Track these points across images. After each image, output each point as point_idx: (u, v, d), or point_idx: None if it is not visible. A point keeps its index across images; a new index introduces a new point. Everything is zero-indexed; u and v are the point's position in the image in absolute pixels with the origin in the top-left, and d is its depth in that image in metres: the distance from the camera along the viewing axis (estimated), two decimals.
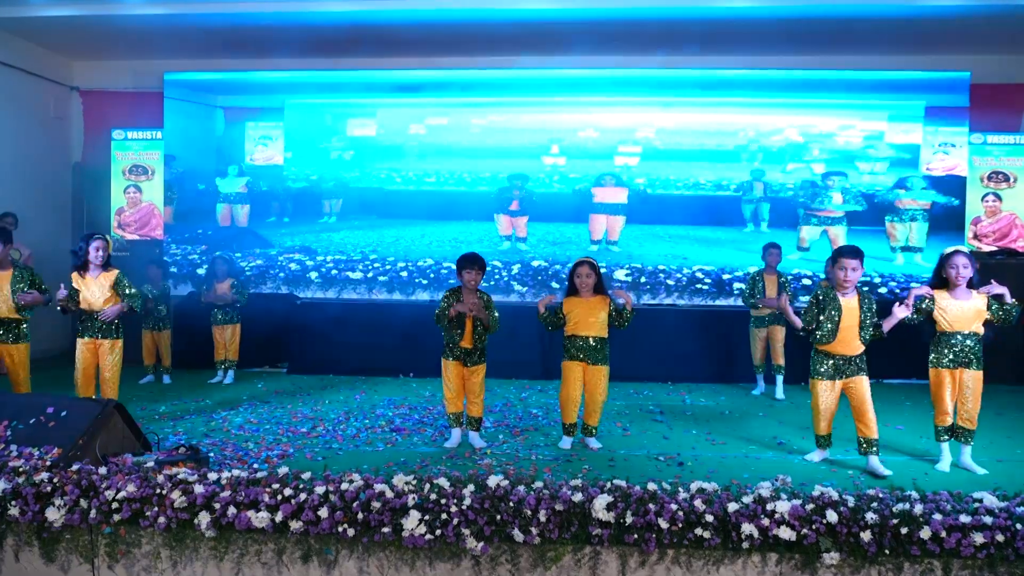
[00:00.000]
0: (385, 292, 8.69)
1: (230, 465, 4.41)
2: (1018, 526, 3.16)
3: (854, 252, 4.76)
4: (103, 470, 3.60)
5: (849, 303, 4.74)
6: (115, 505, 3.40)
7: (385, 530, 3.26)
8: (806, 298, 7.57)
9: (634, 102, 8.77)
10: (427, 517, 3.26)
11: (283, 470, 3.58)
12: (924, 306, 4.77)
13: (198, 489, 3.41)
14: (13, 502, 3.46)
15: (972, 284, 4.75)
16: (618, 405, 6.66)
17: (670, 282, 8.45)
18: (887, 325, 4.72)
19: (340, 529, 3.29)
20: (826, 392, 4.81)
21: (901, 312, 4.66)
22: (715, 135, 8.69)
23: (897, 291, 8.13)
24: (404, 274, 8.67)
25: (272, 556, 3.37)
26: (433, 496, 3.32)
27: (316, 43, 8.71)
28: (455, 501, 3.30)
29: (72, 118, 9.85)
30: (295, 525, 3.30)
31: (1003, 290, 4.69)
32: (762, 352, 7.27)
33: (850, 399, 4.80)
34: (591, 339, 5.19)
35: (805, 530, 3.18)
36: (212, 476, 3.53)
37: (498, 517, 3.26)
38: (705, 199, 8.68)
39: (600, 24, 8.01)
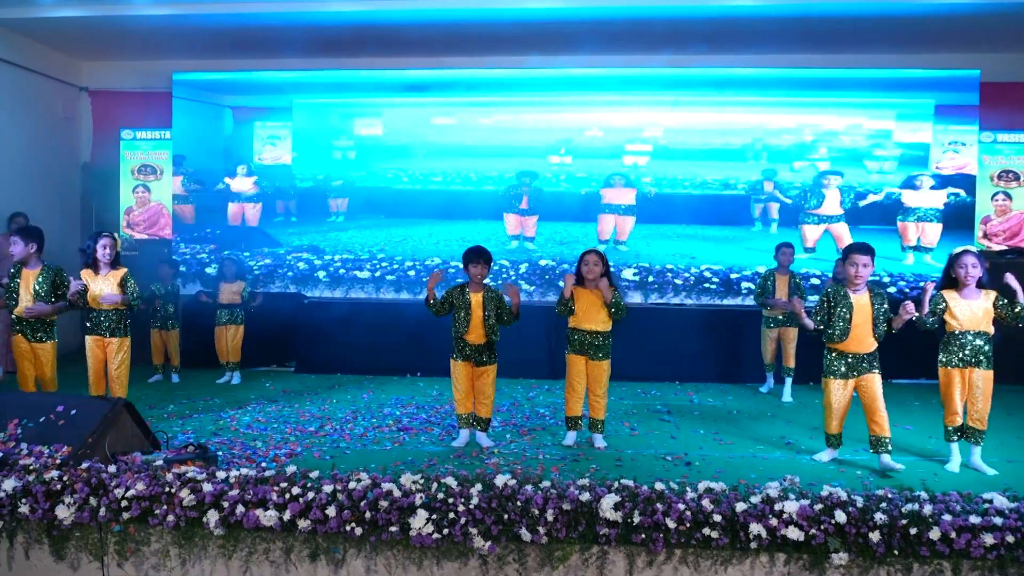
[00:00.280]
0: (393, 291, 8.69)
1: (238, 464, 4.42)
2: None
3: (865, 249, 4.74)
4: (112, 468, 3.62)
5: (860, 300, 4.71)
6: (124, 503, 3.41)
7: (392, 529, 3.26)
8: (815, 298, 7.52)
9: (641, 101, 8.75)
10: (434, 516, 3.27)
11: (291, 469, 3.58)
12: (939, 308, 4.74)
13: (207, 488, 3.42)
14: (23, 500, 3.47)
15: (982, 284, 4.73)
16: (626, 405, 6.65)
17: (678, 281, 8.44)
18: (896, 323, 4.70)
19: (348, 528, 3.29)
20: (838, 390, 4.79)
21: (909, 312, 4.63)
22: (723, 134, 8.67)
23: (907, 291, 8.09)
24: (412, 273, 8.68)
25: (280, 555, 3.38)
26: (440, 495, 3.33)
27: (323, 43, 8.72)
28: (462, 500, 3.30)
29: (81, 118, 9.88)
30: (303, 524, 3.30)
31: (1017, 287, 4.66)
32: (773, 352, 7.25)
33: (861, 397, 4.78)
34: (594, 333, 5.18)
35: (813, 530, 3.17)
36: (220, 475, 3.54)
37: (505, 516, 3.26)
38: (713, 198, 8.66)
39: (607, 23, 7.99)
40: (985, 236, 8.39)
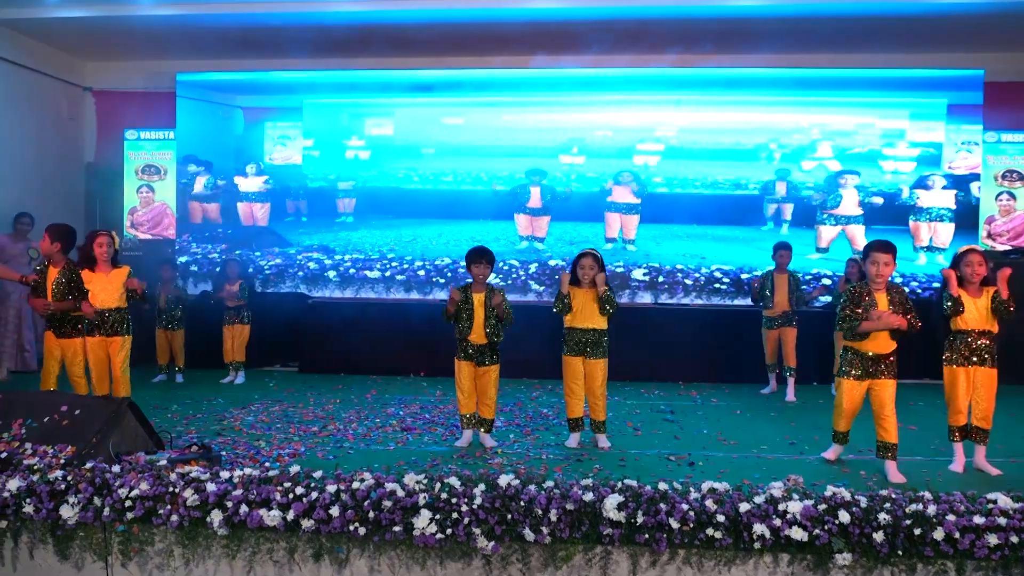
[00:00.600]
0: (402, 291, 8.70)
1: (242, 464, 4.42)
2: None
3: (887, 247, 4.68)
4: (116, 468, 3.62)
5: (881, 299, 4.66)
6: (128, 503, 3.42)
7: (396, 529, 3.27)
8: (825, 298, 7.52)
9: (652, 101, 8.75)
10: (438, 516, 3.27)
11: (295, 469, 3.59)
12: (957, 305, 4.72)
13: (210, 487, 3.42)
14: (27, 499, 3.48)
15: (986, 282, 4.73)
16: (629, 405, 6.65)
17: (688, 282, 8.43)
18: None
19: (351, 528, 3.29)
20: (852, 391, 4.74)
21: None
22: (734, 134, 8.65)
23: (919, 291, 8.07)
24: (421, 273, 8.69)
25: (284, 554, 3.38)
26: (444, 495, 3.33)
27: (331, 43, 8.73)
28: (466, 500, 3.30)
29: (85, 118, 9.91)
30: (307, 523, 3.31)
31: (1004, 279, 4.67)
32: (773, 352, 7.25)
33: (872, 401, 4.73)
34: (590, 331, 5.18)
35: (817, 530, 3.17)
36: (224, 474, 3.55)
37: (509, 516, 3.26)
38: (723, 198, 8.64)
39: (619, 22, 7.98)
40: (989, 236, 8.37)
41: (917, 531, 3.14)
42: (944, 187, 8.35)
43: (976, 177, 8.36)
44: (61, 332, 5.46)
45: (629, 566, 3.27)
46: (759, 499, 3.29)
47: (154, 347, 7.67)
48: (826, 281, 8.20)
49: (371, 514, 3.30)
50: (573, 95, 8.80)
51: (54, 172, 9.34)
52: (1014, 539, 3.11)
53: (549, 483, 3.43)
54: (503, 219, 8.83)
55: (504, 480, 3.39)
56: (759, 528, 3.17)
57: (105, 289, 5.52)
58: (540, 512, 3.26)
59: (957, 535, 3.12)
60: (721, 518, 3.21)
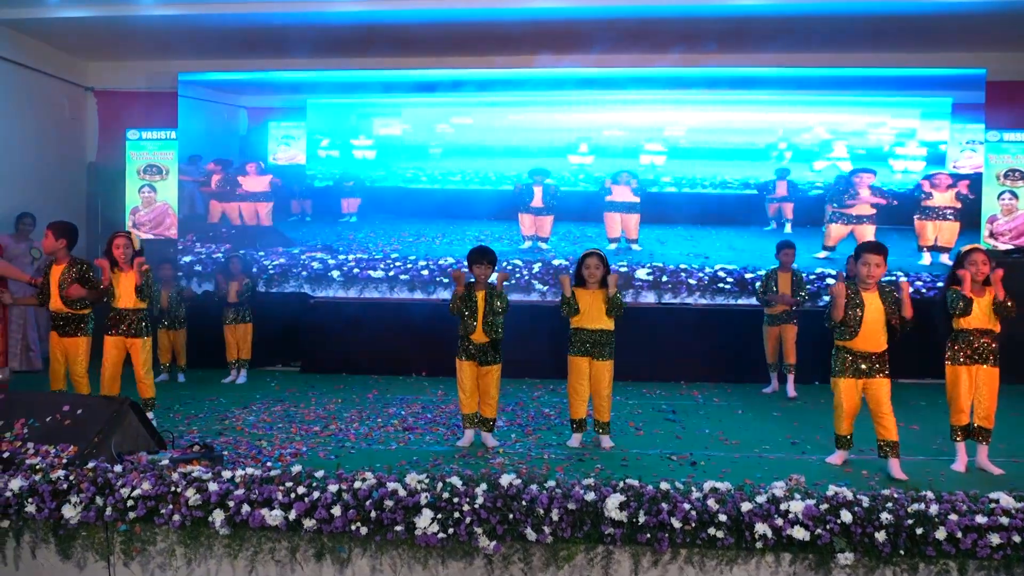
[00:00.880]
0: (406, 291, 8.70)
1: (244, 463, 4.42)
2: None
3: (877, 248, 4.73)
4: (118, 468, 3.63)
5: (871, 298, 4.69)
6: (130, 503, 3.42)
7: (398, 528, 3.27)
8: (828, 298, 7.49)
9: (661, 99, 8.73)
10: (440, 516, 3.27)
11: (296, 468, 3.59)
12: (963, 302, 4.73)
13: (212, 487, 3.42)
14: (30, 499, 3.48)
15: (988, 282, 4.75)
16: (631, 404, 6.65)
17: (692, 281, 8.42)
18: (906, 310, 4.64)
19: (353, 527, 3.30)
20: (848, 391, 4.74)
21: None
22: (742, 133, 8.64)
23: (923, 291, 8.06)
24: (425, 272, 8.69)
25: (286, 554, 3.39)
26: (446, 495, 3.33)
27: (334, 43, 8.73)
28: (467, 500, 3.30)
29: (87, 118, 9.92)
30: (308, 523, 3.31)
31: (997, 281, 4.70)
32: (774, 349, 7.25)
33: (868, 400, 4.74)
34: (597, 332, 5.18)
35: (819, 530, 3.17)
36: (226, 474, 3.55)
37: (510, 516, 3.26)
38: (728, 198, 8.63)
39: (625, 21, 7.98)
40: (991, 235, 8.36)
41: (919, 531, 3.14)
42: (949, 186, 8.33)
43: (981, 176, 8.34)
44: (65, 331, 5.47)
45: (631, 566, 3.27)
46: (761, 499, 3.29)
47: (156, 347, 7.66)
48: (830, 281, 8.19)
49: (373, 514, 3.30)
50: (582, 94, 8.78)
51: (56, 172, 9.35)
52: (1016, 539, 3.10)
53: (551, 483, 3.43)
54: (507, 219, 8.82)
55: (506, 480, 3.39)
56: (761, 528, 3.17)
57: (126, 290, 5.55)
58: (542, 512, 3.26)
59: (959, 535, 3.12)
60: (723, 518, 3.21)
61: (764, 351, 7.33)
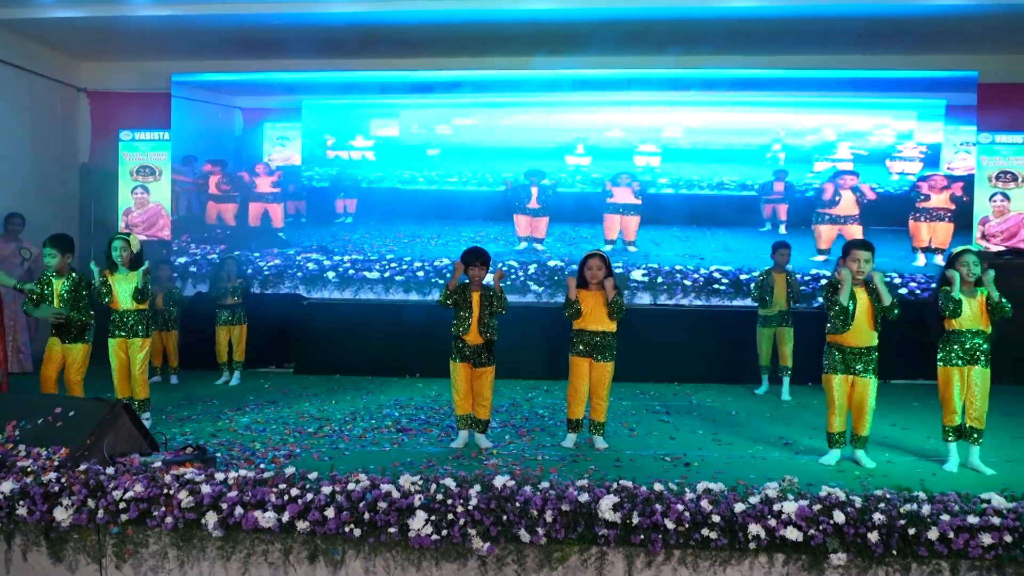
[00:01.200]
0: (401, 292, 8.68)
1: (237, 465, 4.42)
2: None
3: (866, 245, 4.85)
4: (110, 470, 3.61)
5: (860, 293, 4.78)
6: (122, 505, 3.41)
7: (391, 530, 3.26)
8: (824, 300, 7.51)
9: (658, 100, 8.75)
10: (433, 517, 3.27)
11: (290, 470, 3.58)
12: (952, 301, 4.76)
13: (205, 489, 3.41)
14: (21, 502, 3.47)
15: (980, 283, 4.78)
16: (624, 405, 6.65)
17: (687, 282, 8.43)
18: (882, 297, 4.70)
19: (347, 529, 3.29)
20: (840, 386, 4.83)
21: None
22: (739, 134, 8.65)
23: (917, 292, 8.09)
24: (421, 274, 8.67)
25: (279, 556, 3.38)
26: (439, 496, 3.33)
27: (329, 43, 8.72)
28: (461, 501, 3.30)
29: (79, 119, 9.88)
30: (302, 525, 3.30)
31: (989, 283, 4.72)
32: (768, 352, 7.26)
33: (853, 397, 4.84)
34: (598, 333, 5.19)
35: (812, 531, 3.17)
36: (219, 476, 3.54)
37: (504, 517, 3.26)
38: (724, 199, 8.64)
39: (623, 23, 7.99)
40: (983, 237, 8.40)
41: (911, 531, 3.15)
42: (944, 187, 8.36)
43: (973, 178, 8.38)
44: (67, 338, 5.47)
45: (625, 567, 3.28)
46: (754, 499, 3.30)
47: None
48: (824, 282, 8.20)
49: (366, 515, 3.30)
50: (579, 95, 8.79)
51: (48, 173, 9.31)
52: (1008, 539, 3.12)
53: (544, 484, 3.43)
54: (502, 220, 8.82)
55: (500, 481, 3.39)
56: (754, 528, 3.18)
57: (124, 291, 5.60)
58: (536, 513, 3.26)
59: (951, 535, 3.13)
60: (716, 518, 3.22)
61: (758, 352, 7.34)
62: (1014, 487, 3.61)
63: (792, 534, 3.17)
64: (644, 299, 8.45)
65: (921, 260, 8.41)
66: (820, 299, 7.56)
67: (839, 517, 3.18)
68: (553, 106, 8.84)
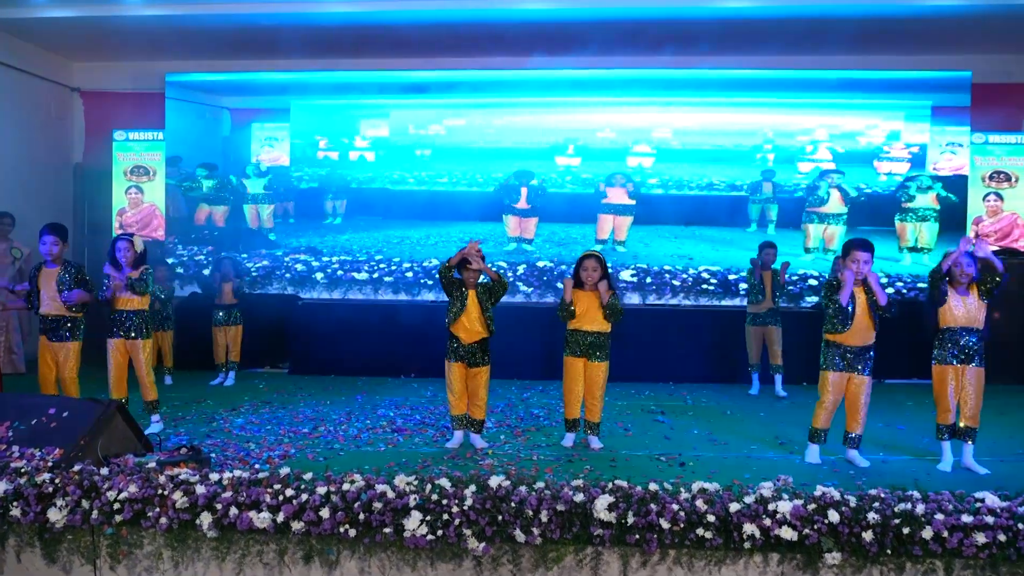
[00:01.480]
0: (391, 293, 8.67)
1: (232, 466, 4.40)
2: (1020, 526, 3.15)
3: (866, 245, 4.83)
4: (105, 471, 3.60)
5: (859, 292, 4.80)
6: (117, 506, 3.40)
7: (387, 530, 3.26)
8: (812, 299, 7.55)
9: (649, 102, 8.76)
10: (428, 518, 3.26)
11: (284, 471, 3.58)
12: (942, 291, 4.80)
13: (200, 490, 3.41)
14: (15, 503, 3.46)
15: (973, 282, 4.80)
16: (620, 405, 6.66)
17: (676, 283, 8.44)
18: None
19: (342, 529, 3.29)
20: (836, 383, 4.84)
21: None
22: (728, 135, 8.68)
23: (904, 292, 8.12)
24: (409, 275, 8.66)
25: (274, 556, 3.37)
26: (435, 496, 3.32)
27: (320, 44, 8.70)
28: (456, 501, 3.30)
29: (73, 119, 9.85)
30: (297, 526, 3.30)
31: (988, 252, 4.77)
32: (758, 350, 7.28)
33: (847, 394, 4.86)
34: (593, 333, 5.20)
35: (807, 530, 3.18)
36: (214, 477, 3.53)
37: (499, 517, 3.26)
38: (713, 199, 8.66)
39: (615, 24, 7.99)
40: (976, 236, 8.42)
41: (906, 530, 3.16)
42: (929, 188, 8.40)
43: (961, 178, 8.41)
44: (56, 336, 5.43)
45: (620, 567, 3.28)
46: (749, 499, 3.30)
47: None
48: (812, 282, 8.24)
49: (361, 516, 3.29)
50: (569, 96, 8.79)
51: (42, 173, 9.28)
52: (1002, 538, 3.13)
53: (540, 484, 3.43)
54: (491, 220, 8.82)
55: (495, 481, 3.39)
56: (749, 528, 3.19)
57: (127, 292, 5.54)
58: (531, 513, 3.26)
59: (945, 534, 3.14)
60: (711, 518, 3.22)
61: (747, 351, 7.35)
62: (1008, 486, 3.63)
63: (787, 533, 3.18)
64: (633, 299, 8.46)
65: (907, 260, 8.44)
66: (810, 298, 7.59)
67: (834, 516, 3.19)
68: (544, 107, 8.84)
